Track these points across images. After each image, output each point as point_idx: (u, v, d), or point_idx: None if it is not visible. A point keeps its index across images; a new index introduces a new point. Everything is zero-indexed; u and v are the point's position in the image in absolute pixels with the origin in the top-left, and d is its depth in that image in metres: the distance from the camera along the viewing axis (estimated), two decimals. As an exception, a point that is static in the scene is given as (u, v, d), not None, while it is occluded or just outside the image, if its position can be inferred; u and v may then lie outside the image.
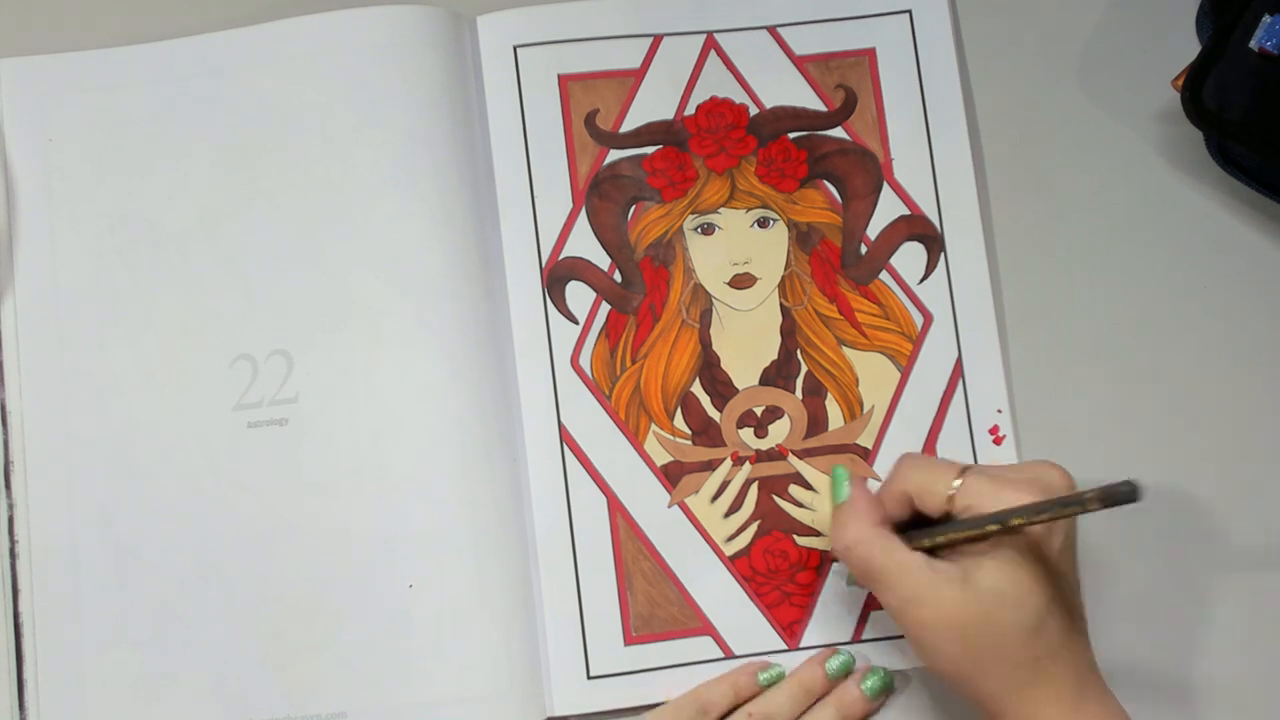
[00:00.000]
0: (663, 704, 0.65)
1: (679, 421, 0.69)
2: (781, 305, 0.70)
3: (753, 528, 0.68)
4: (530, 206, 0.70)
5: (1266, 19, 0.66)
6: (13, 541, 0.66)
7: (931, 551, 0.59)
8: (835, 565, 0.67)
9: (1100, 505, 0.51)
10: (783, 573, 0.67)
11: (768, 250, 0.70)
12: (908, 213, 0.71)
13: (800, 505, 0.68)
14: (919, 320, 0.70)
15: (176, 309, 0.68)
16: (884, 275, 0.70)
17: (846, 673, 0.65)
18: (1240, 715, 0.66)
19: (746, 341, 0.69)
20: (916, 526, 0.60)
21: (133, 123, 0.69)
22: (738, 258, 0.70)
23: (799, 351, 0.69)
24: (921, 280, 0.70)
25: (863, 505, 0.61)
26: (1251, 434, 0.69)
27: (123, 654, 0.65)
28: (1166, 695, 0.66)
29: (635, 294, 0.70)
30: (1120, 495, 0.50)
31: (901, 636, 0.66)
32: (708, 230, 0.70)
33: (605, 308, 0.69)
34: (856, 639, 0.67)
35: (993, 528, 0.56)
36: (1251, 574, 0.68)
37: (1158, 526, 0.68)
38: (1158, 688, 0.66)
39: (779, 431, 0.69)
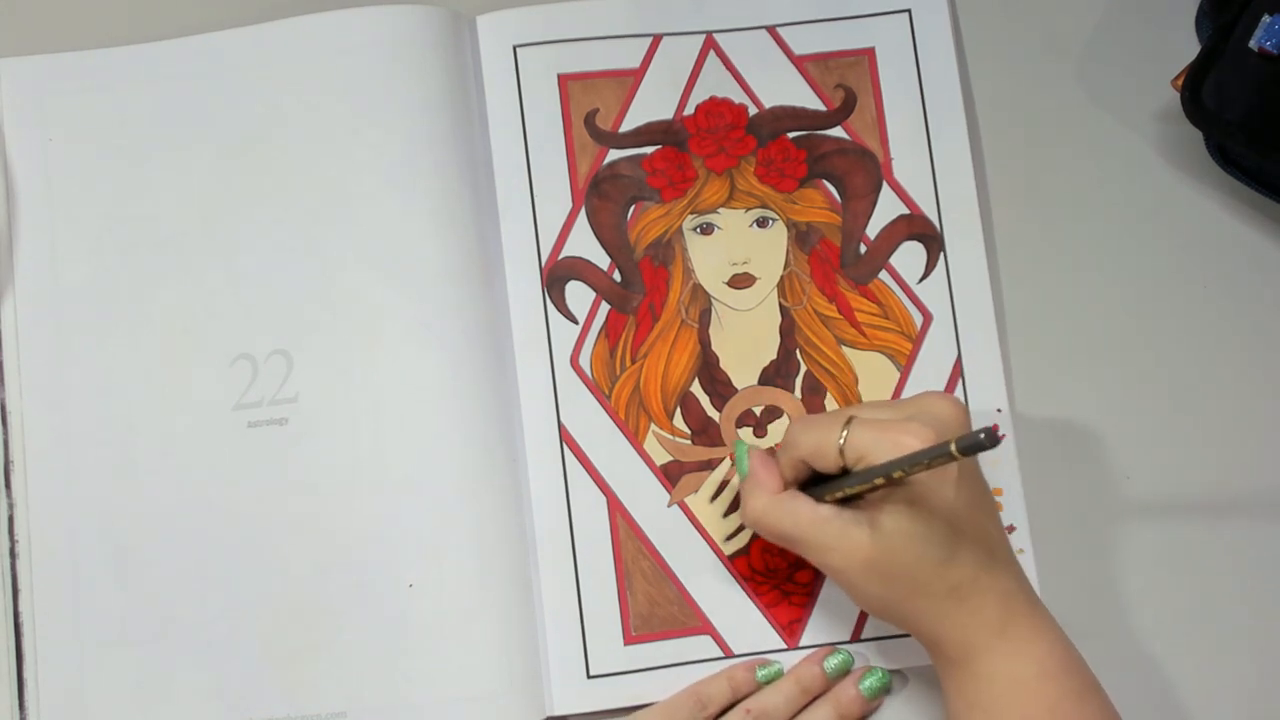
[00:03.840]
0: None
1: (678, 421, 0.69)
2: (781, 305, 0.70)
3: (752, 527, 0.68)
4: (530, 206, 0.70)
5: (1266, 19, 0.66)
6: (13, 541, 0.66)
7: (843, 502, 0.60)
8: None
9: (963, 453, 0.53)
10: (782, 572, 0.67)
11: (767, 250, 0.70)
12: (907, 212, 0.71)
13: (800, 505, 0.68)
14: (918, 320, 0.70)
15: (176, 309, 0.68)
16: (883, 275, 0.70)
17: (844, 672, 0.65)
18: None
19: (746, 341, 0.69)
20: (824, 481, 0.61)
21: (133, 123, 0.69)
22: (737, 257, 0.70)
23: (798, 351, 0.69)
24: (921, 280, 0.70)
25: (762, 476, 0.62)
26: (1252, 433, 0.69)
27: (123, 654, 0.65)
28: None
29: (635, 294, 0.70)
30: (979, 443, 0.52)
31: (901, 636, 0.66)
32: (707, 230, 0.70)
33: (605, 307, 0.69)
34: (855, 638, 0.67)
35: (879, 481, 0.57)
36: (1253, 572, 0.68)
37: (1161, 526, 0.68)
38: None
39: (778, 431, 0.69)
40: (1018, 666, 0.58)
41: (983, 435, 0.51)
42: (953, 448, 0.53)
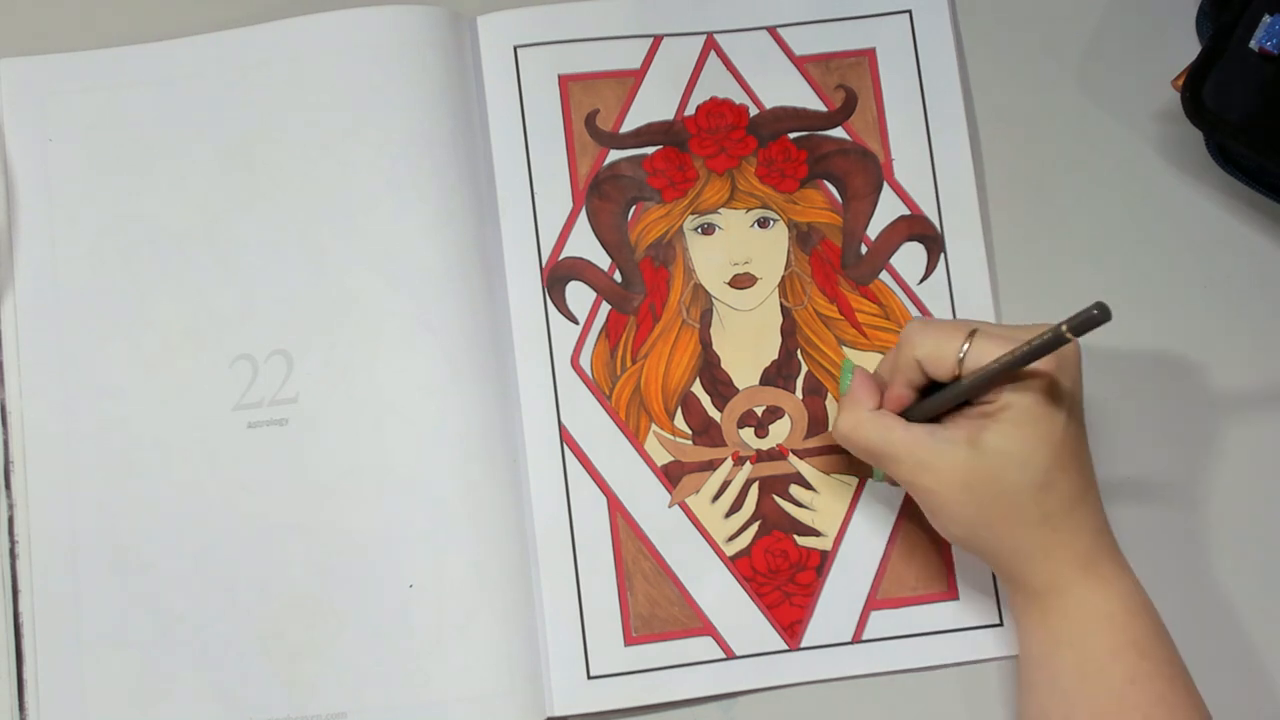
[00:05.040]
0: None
1: (679, 421, 0.69)
2: (782, 305, 0.70)
3: (753, 528, 0.68)
4: (530, 206, 0.70)
5: (1266, 19, 0.66)
6: (13, 541, 0.66)
7: (938, 419, 0.60)
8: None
9: (1075, 332, 0.52)
10: (783, 573, 0.67)
11: (768, 250, 0.70)
12: (908, 213, 0.71)
13: (801, 505, 0.68)
14: (919, 320, 0.70)
15: (176, 309, 0.68)
16: (884, 275, 0.70)
17: None
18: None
19: (747, 341, 0.69)
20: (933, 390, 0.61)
21: (133, 123, 0.69)
22: (738, 258, 0.70)
23: (799, 351, 0.69)
24: (921, 280, 0.70)
25: (860, 392, 0.62)
26: (1252, 433, 0.69)
27: (123, 654, 0.65)
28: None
29: (635, 294, 0.70)
30: (1092, 318, 0.51)
31: (903, 637, 0.66)
32: (708, 230, 0.70)
33: (605, 308, 0.69)
34: (857, 639, 0.67)
35: (997, 369, 0.56)
36: (1256, 570, 0.68)
37: (1161, 526, 0.68)
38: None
39: (779, 431, 0.69)
40: (1105, 601, 0.58)
41: (1095, 310, 0.51)
42: (1064, 329, 0.52)
